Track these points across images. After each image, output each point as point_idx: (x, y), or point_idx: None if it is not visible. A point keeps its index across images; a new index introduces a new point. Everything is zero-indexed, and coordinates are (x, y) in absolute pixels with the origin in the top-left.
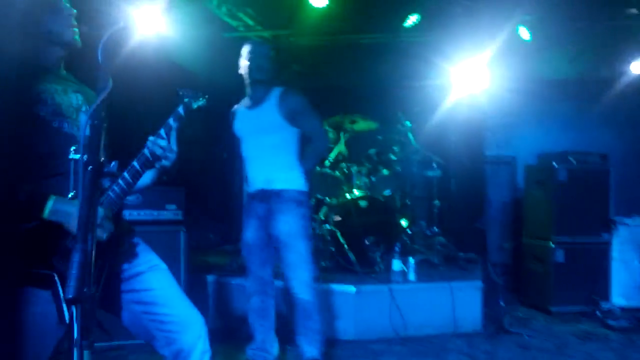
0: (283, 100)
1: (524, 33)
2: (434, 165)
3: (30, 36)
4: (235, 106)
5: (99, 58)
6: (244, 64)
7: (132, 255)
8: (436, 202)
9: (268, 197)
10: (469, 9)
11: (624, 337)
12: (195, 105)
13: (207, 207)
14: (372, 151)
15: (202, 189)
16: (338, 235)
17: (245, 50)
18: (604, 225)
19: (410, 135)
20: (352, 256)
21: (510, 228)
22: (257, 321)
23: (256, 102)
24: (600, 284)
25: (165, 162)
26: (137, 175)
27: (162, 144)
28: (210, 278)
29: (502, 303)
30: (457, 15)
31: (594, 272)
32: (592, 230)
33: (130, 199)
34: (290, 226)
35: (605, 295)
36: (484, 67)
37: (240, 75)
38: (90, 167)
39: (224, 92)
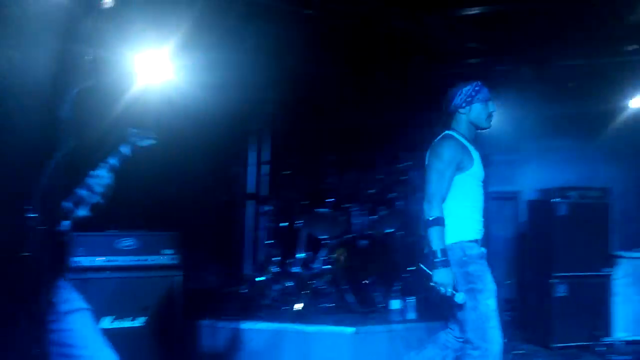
0: None
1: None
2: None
3: None
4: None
5: (64, 114)
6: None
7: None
8: None
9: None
10: None
11: None
12: (142, 144)
13: (208, 249)
14: (372, 190)
15: (202, 230)
16: (338, 275)
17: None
18: (604, 259)
19: (410, 174)
20: (351, 296)
21: (514, 263)
22: None
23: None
24: (601, 318)
25: (100, 200)
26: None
27: (104, 182)
28: (205, 323)
29: (505, 340)
30: None
31: (595, 306)
32: (592, 264)
33: (127, 243)
34: None
35: (606, 330)
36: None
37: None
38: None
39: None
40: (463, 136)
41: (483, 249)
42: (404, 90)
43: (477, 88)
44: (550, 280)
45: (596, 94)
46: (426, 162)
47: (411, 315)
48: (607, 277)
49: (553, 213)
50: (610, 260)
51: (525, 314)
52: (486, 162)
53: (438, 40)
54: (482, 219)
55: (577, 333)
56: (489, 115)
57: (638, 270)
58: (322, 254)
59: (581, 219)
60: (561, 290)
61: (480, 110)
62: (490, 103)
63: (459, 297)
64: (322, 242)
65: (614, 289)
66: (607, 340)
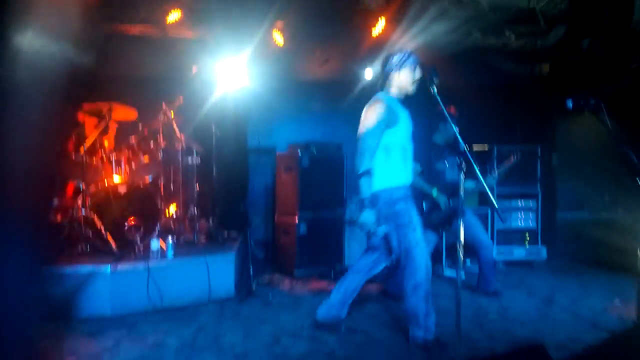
0: None
1: (278, 38)
2: (195, 153)
3: None
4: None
5: None
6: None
7: None
8: (196, 187)
9: None
10: (228, 11)
11: None
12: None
13: None
14: (132, 139)
15: None
16: (95, 219)
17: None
18: (339, 202)
19: (174, 126)
20: (109, 240)
21: (270, 208)
22: None
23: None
24: (336, 250)
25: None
26: None
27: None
28: None
29: (251, 272)
30: (216, 16)
31: (331, 241)
32: (329, 206)
33: None
34: None
35: (340, 259)
36: (245, 66)
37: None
38: None
39: None
40: (392, 97)
41: (408, 192)
42: None
43: (406, 56)
44: (295, 220)
45: (340, 64)
46: (361, 121)
47: (169, 253)
48: (341, 217)
49: (299, 163)
50: (343, 202)
51: (276, 251)
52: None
53: None
54: (409, 168)
55: (315, 262)
56: (415, 81)
57: None
58: (80, 200)
59: (321, 168)
60: (303, 228)
61: (407, 75)
62: (416, 70)
63: (381, 230)
64: (80, 187)
65: (345, 226)
66: (339, 267)
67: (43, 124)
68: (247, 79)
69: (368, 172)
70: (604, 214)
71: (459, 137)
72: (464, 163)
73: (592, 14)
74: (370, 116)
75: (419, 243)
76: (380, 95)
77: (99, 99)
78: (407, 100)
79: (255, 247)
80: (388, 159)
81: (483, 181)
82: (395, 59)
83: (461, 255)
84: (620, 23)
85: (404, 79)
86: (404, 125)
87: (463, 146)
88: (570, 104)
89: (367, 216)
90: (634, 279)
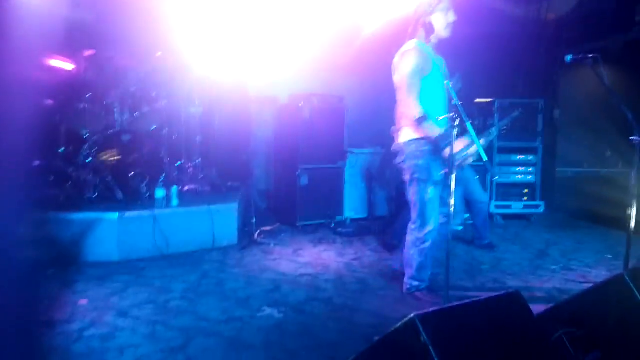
0: None
1: None
2: (196, 102)
3: None
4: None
5: None
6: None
7: None
8: (199, 137)
9: None
10: None
11: (346, 240)
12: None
13: None
14: (133, 88)
15: None
16: (102, 168)
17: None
18: (339, 153)
19: (176, 76)
20: (116, 187)
21: (273, 158)
22: None
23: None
24: (336, 201)
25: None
26: None
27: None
28: None
29: (254, 220)
30: None
31: (331, 192)
32: (330, 158)
33: None
34: None
35: (340, 211)
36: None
37: None
38: None
39: None
40: (425, 43)
41: (436, 147)
42: None
43: None
44: (297, 172)
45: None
46: (395, 69)
47: (174, 202)
48: (341, 169)
49: (298, 115)
50: (343, 155)
51: (277, 201)
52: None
53: None
54: (445, 115)
55: (316, 213)
56: (449, 25)
57: (362, 163)
58: (85, 149)
59: (322, 120)
60: (304, 180)
61: (440, 19)
62: (450, 13)
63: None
64: (84, 137)
65: (345, 178)
66: (339, 218)
67: (42, 74)
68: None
69: (425, 117)
70: (605, 169)
71: (452, 91)
72: (457, 118)
73: None
74: (407, 62)
75: (432, 201)
76: (412, 42)
77: (100, 47)
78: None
79: (258, 196)
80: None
81: (474, 136)
82: (427, 2)
83: (451, 208)
84: None
85: (437, 24)
86: (437, 73)
87: (457, 101)
88: (568, 58)
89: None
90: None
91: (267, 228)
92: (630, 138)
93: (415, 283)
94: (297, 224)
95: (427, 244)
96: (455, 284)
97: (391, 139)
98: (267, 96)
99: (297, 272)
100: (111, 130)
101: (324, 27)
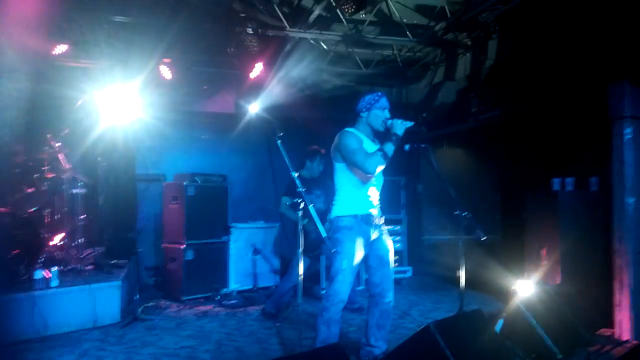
0: None
1: (166, 72)
2: (80, 184)
3: None
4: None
5: None
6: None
7: None
8: (82, 216)
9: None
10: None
11: (230, 311)
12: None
13: None
14: (16, 170)
15: None
16: None
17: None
18: (224, 229)
19: (60, 157)
20: None
21: (159, 234)
22: None
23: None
24: (220, 274)
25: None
26: None
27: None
28: None
29: (137, 297)
30: (102, 49)
31: (216, 266)
32: (214, 233)
33: None
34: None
35: (225, 283)
36: (134, 96)
37: None
38: None
39: None
40: (362, 133)
41: (355, 222)
42: None
43: (376, 97)
44: (181, 247)
45: (226, 98)
46: (334, 155)
47: (54, 282)
48: (225, 243)
49: (184, 193)
50: (227, 230)
51: (164, 276)
52: None
53: None
54: (366, 199)
55: (202, 287)
56: (384, 121)
57: (246, 237)
58: None
59: (206, 198)
60: (189, 255)
61: (377, 116)
62: (386, 111)
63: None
64: None
65: (230, 251)
66: (225, 290)
67: None
68: (139, 109)
69: (380, 152)
70: (464, 236)
71: (297, 180)
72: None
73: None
74: (345, 137)
75: (343, 272)
76: (348, 128)
77: None
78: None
79: (146, 273)
80: (343, 186)
81: (315, 217)
82: (367, 99)
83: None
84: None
85: (373, 119)
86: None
87: (300, 188)
88: (407, 147)
89: None
90: (478, 293)
91: (152, 304)
92: (455, 213)
93: None
94: (183, 298)
95: (330, 314)
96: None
97: (273, 214)
98: (153, 174)
99: (178, 345)
100: None
101: (208, 109)
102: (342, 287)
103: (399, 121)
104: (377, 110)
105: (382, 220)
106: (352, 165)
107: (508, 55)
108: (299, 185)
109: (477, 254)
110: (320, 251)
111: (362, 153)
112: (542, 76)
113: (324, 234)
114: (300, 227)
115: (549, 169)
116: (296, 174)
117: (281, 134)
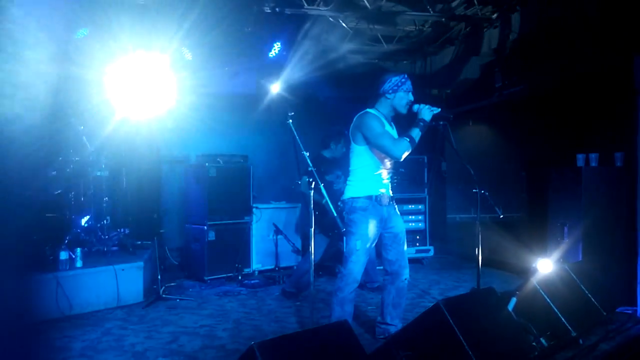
0: None
1: (187, 55)
2: (103, 166)
3: None
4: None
5: None
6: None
7: None
8: (106, 198)
9: None
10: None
11: (251, 291)
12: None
13: None
14: (41, 153)
15: None
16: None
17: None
18: (245, 209)
19: (84, 139)
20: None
21: (183, 216)
22: None
23: None
24: (243, 255)
25: None
26: None
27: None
28: None
29: (159, 277)
30: (126, 32)
31: (238, 246)
32: (236, 214)
33: None
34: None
35: (247, 263)
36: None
37: None
38: None
39: None
40: (382, 115)
41: (370, 203)
42: None
43: (403, 80)
44: (204, 228)
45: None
46: (355, 136)
47: (78, 263)
48: (248, 224)
49: (206, 174)
50: (249, 210)
51: (187, 257)
52: None
53: None
54: (380, 180)
55: (224, 267)
56: (409, 104)
57: (268, 217)
58: None
59: (228, 178)
60: (211, 235)
61: (402, 98)
62: (410, 94)
63: None
64: None
65: (252, 232)
66: (247, 270)
67: None
68: (173, 94)
69: (407, 137)
70: (487, 215)
71: (307, 159)
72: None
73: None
74: (370, 119)
75: (357, 253)
76: (369, 110)
77: None
78: None
79: (170, 254)
80: (361, 168)
81: (327, 197)
82: (394, 81)
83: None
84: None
85: (398, 101)
86: None
87: (311, 166)
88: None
89: None
90: (499, 271)
91: (175, 284)
92: (473, 191)
93: None
94: (205, 278)
95: (344, 294)
96: None
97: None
98: (177, 156)
99: (198, 324)
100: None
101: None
102: (355, 267)
103: (427, 107)
104: (403, 92)
105: (392, 199)
106: (378, 148)
107: (532, 28)
108: (309, 164)
109: (499, 232)
110: (339, 230)
111: (389, 137)
112: (566, 49)
113: (334, 214)
114: (311, 205)
115: (573, 144)
116: (307, 153)
117: (292, 114)
